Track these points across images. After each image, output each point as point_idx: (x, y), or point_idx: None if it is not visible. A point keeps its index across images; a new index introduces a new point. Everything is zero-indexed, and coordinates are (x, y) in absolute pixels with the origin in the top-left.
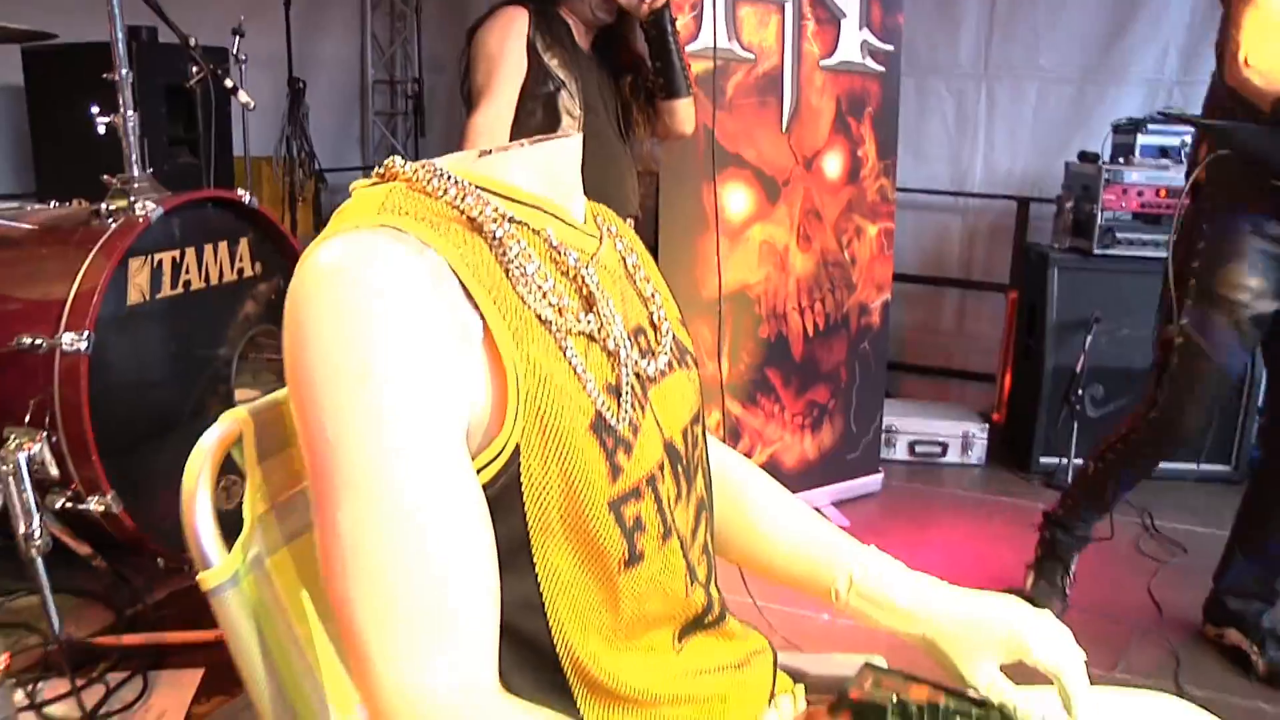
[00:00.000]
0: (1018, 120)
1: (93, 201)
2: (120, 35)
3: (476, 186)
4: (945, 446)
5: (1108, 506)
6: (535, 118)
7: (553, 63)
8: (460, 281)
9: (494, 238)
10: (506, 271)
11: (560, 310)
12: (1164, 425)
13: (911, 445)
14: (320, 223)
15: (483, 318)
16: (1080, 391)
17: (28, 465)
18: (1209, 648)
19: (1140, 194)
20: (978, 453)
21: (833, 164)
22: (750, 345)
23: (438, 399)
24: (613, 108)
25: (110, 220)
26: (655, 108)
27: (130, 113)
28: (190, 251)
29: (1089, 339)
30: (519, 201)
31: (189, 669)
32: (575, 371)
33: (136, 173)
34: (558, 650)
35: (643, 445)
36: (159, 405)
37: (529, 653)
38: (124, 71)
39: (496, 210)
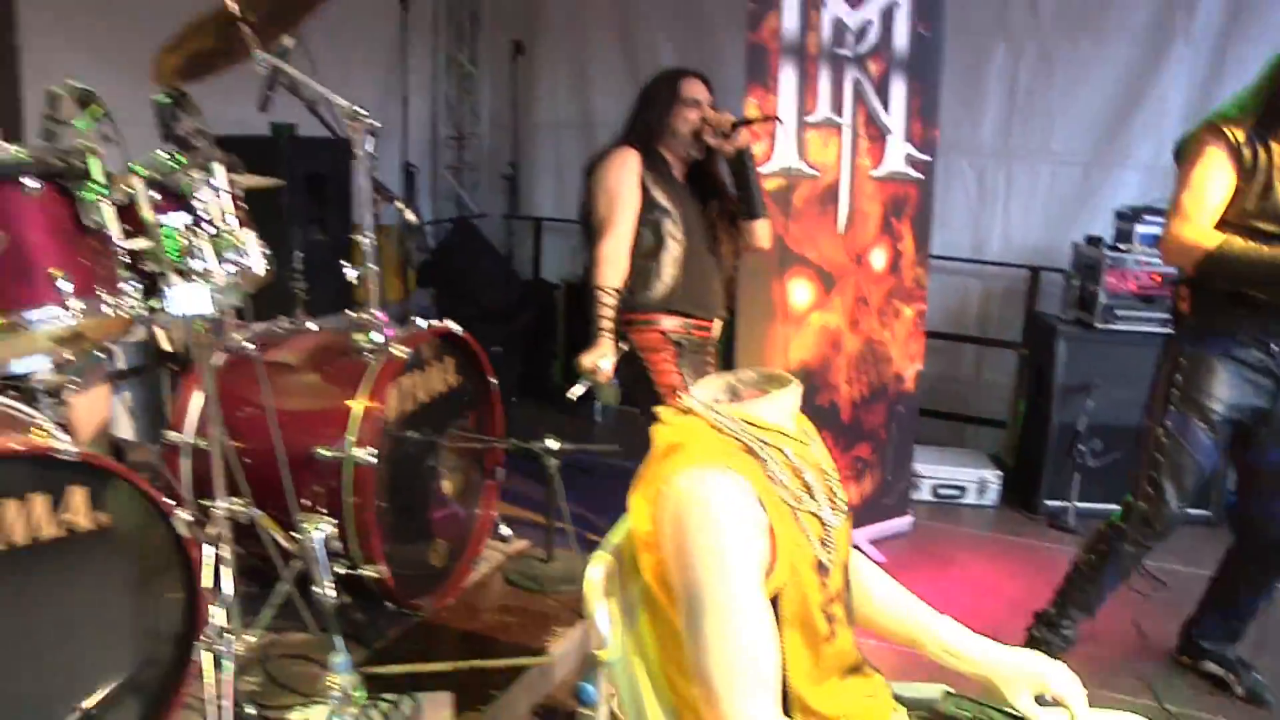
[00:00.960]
0: (1032, 196)
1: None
2: (369, 210)
3: (743, 421)
4: (964, 490)
5: (1092, 607)
6: (645, 240)
7: (659, 195)
8: (755, 493)
9: (761, 459)
10: (769, 479)
11: (797, 499)
12: (1151, 513)
13: (934, 488)
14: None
15: (766, 514)
16: (1082, 446)
17: (322, 543)
18: (1183, 671)
19: (1138, 278)
20: (991, 495)
21: (878, 258)
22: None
23: (753, 563)
24: (702, 228)
25: (370, 356)
26: (738, 227)
27: (373, 266)
28: (419, 374)
29: (1090, 401)
30: (766, 428)
31: (439, 691)
32: (806, 536)
33: (378, 313)
34: (789, 690)
35: (835, 571)
36: (397, 491)
37: None
38: (369, 234)
39: (760, 439)
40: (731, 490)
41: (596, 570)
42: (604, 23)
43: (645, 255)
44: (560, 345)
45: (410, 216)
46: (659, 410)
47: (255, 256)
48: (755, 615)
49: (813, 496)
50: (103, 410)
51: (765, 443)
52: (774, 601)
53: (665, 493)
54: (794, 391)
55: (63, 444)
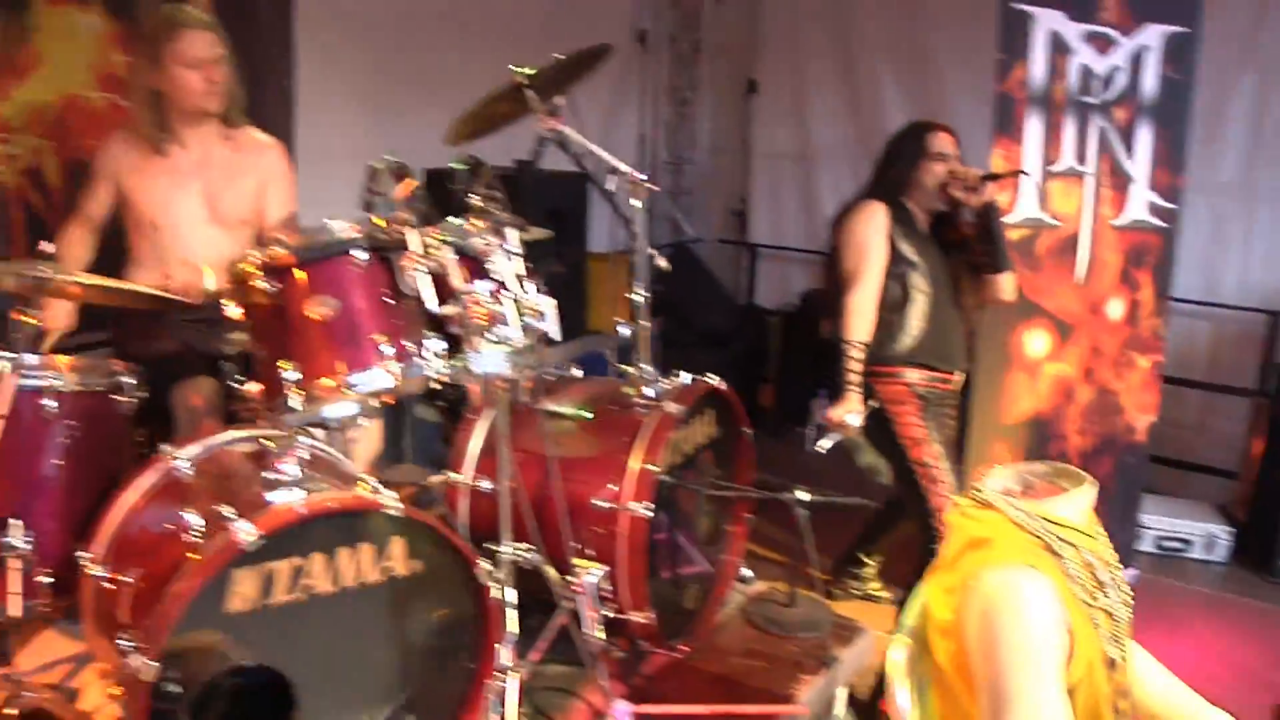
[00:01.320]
0: (1275, 237)
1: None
2: (645, 268)
3: (1042, 518)
4: (1190, 544)
5: None
6: (892, 293)
7: (906, 247)
8: (1057, 591)
9: (1060, 557)
10: (1067, 576)
11: (1091, 596)
12: None
13: (1158, 540)
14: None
15: (1066, 612)
16: None
17: (595, 587)
18: None
19: None
20: (1221, 552)
21: (1116, 308)
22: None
23: (1056, 661)
24: (947, 280)
25: (643, 410)
26: (981, 280)
27: (646, 322)
28: (685, 427)
29: None
30: (1063, 526)
31: None
32: (1099, 635)
33: (649, 369)
34: None
35: (1123, 665)
36: (656, 536)
37: None
38: (644, 292)
39: (1059, 538)
40: (1039, 591)
41: (899, 653)
42: (826, 56)
43: (891, 308)
44: (772, 371)
45: (662, 264)
46: (959, 501)
47: (552, 323)
48: (1057, 711)
49: (1105, 593)
50: (376, 443)
51: (1063, 539)
52: (1069, 695)
53: (973, 588)
54: (1089, 492)
55: (390, 501)
